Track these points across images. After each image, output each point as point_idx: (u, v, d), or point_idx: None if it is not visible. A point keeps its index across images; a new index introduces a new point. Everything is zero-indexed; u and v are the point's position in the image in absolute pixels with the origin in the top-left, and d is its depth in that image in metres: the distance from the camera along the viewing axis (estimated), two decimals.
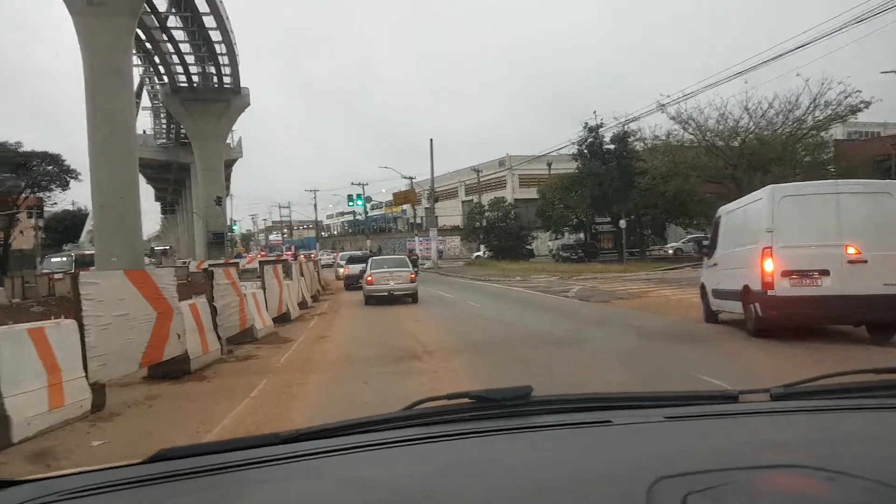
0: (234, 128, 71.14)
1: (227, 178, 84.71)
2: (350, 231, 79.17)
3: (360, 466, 1.17)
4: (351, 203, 48.62)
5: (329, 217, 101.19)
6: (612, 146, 37.86)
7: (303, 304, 17.02)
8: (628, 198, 33.62)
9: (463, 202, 67.44)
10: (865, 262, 7.94)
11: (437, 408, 1.43)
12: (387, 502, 0.98)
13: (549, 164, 51.09)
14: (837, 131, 31.91)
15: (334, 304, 19.58)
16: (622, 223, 31.71)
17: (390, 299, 17.19)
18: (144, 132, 67.36)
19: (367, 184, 55.69)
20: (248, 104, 52.10)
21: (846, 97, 29.14)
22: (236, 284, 10.12)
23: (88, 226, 56.32)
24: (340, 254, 40.01)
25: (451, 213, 62.06)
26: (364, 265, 20.20)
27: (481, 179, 58.95)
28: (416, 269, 19.43)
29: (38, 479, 1.17)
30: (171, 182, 72.87)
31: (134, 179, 26.33)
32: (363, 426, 1.36)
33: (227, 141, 70.13)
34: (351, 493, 1.04)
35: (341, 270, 28.41)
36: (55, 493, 1.06)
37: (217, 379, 7.55)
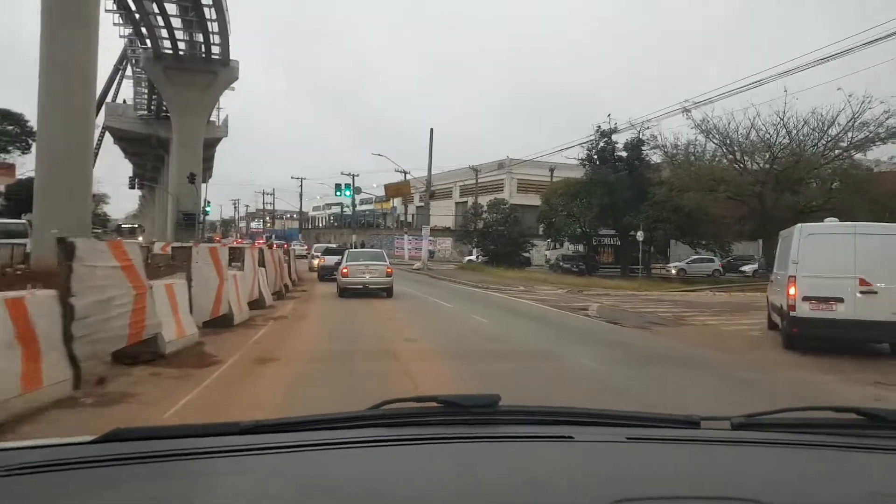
0: (221, 105, 68.36)
1: (211, 159, 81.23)
2: (335, 224, 75.65)
3: (321, 465, 1.13)
4: (339, 192, 45.33)
5: (316, 209, 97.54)
6: (624, 153, 35.15)
7: (258, 303, 13.81)
8: (639, 209, 30.88)
9: (457, 203, 64.44)
10: (876, 293, 9.21)
11: (404, 409, 1.44)
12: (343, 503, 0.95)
13: (552, 170, 48.39)
14: (882, 153, 29.31)
15: (302, 304, 16.62)
16: (639, 235, 28.91)
17: (366, 293, 16.72)
18: (125, 101, 63.71)
19: (357, 174, 52.56)
20: (237, 78, 48.70)
21: (888, 117, 26.74)
22: (133, 270, 6.72)
23: None
24: (315, 245, 38.89)
25: (443, 214, 59.03)
26: (339, 257, 19.66)
27: (478, 181, 56.11)
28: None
29: None
30: (150, 158, 68.83)
31: (88, 142, 23.02)
32: (327, 423, 1.36)
33: (213, 118, 67.30)
34: (309, 494, 1.00)
35: (315, 262, 28.11)
36: (2, 467, 1.01)
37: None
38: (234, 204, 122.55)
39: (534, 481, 1.11)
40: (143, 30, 43.82)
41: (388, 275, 17.30)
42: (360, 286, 16.79)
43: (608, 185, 32.83)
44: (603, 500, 0.93)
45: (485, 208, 39.75)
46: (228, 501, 1.00)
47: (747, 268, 36.19)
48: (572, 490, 1.06)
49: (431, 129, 33.60)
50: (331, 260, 23.76)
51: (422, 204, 71.44)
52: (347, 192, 46.15)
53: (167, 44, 43.66)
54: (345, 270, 17.07)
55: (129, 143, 66.59)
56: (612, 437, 1.37)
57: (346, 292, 16.88)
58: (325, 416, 1.38)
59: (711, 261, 37.47)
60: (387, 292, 17.17)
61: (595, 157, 35.42)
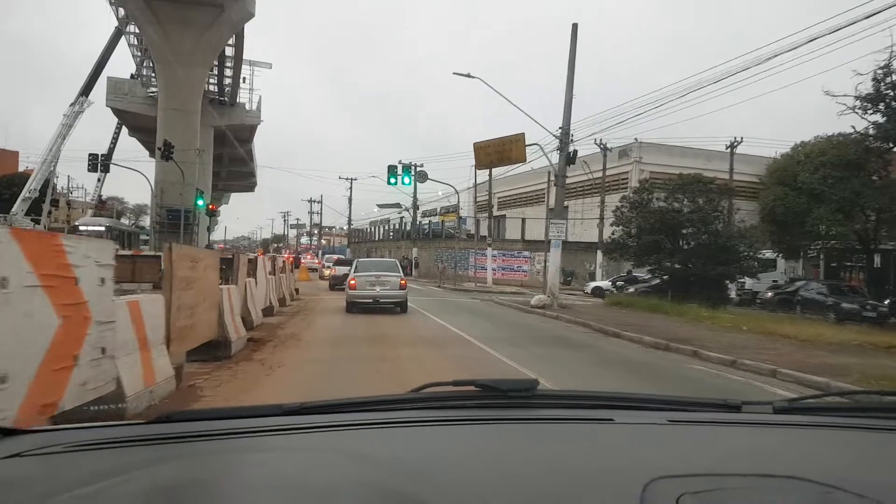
0: (254, 85, 54.34)
1: (246, 159, 67.58)
2: (391, 236, 59.50)
3: (362, 443, 1.15)
4: (392, 180, 29.36)
5: (371, 223, 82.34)
6: None
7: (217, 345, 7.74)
8: None
9: (550, 210, 47.17)
10: None
11: (442, 393, 1.49)
12: (386, 480, 0.96)
13: (734, 147, 30.35)
14: None
15: (292, 337, 10.46)
16: None
17: (376, 309, 15.21)
18: (132, 76, 50.16)
19: (420, 165, 36.33)
20: (252, 15, 33.68)
21: None
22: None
23: (26, 191, 38.81)
24: (325, 256, 38.96)
25: (536, 216, 41.77)
26: (349, 268, 18.13)
27: (591, 174, 38.62)
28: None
29: (41, 430, 1.19)
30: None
31: None
32: (368, 405, 1.38)
33: (243, 101, 53.23)
34: (351, 468, 1.01)
35: (327, 272, 30.09)
36: (57, 445, 1.06)
37: None
38: (284, 217, 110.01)
39: (573, 460, 1.11)
40: None
41: (402, 287, 15.70)
42: (370, 300, 15.42)
43: None
44: (643, 478, 0.92)
45: (673, 187, 20.34)
46: (273, 476, 0.99)
47: None
48: (612, 468, 1.05)
49: (574, 24, 16.56)
50: (342, 270, 23.85)
51: (501, 214, 54.99)
52: (406, 180, 30.13)
53: None
54: (352, 282, 15.73)
55: (141, 132, 53.52)
56: (653, 419, 1.37)
57: (354, 307, 15.46)
58: (368, 398, 1.40)
59: None
60: (400, 307, 15.72)
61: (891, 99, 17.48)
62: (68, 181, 67.78)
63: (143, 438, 1.12)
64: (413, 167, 32.22)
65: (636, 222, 19.94)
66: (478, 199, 39.99)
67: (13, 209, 38.87)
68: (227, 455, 1.09)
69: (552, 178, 20.46)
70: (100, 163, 31.01)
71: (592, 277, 32.02)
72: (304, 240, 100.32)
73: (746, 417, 1.41)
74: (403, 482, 0.95)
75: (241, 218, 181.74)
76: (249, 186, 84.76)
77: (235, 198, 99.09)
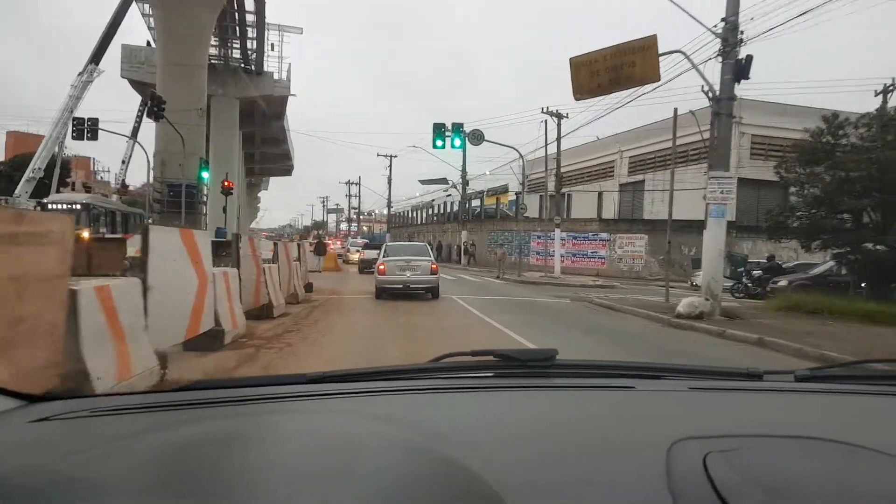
0: (283, 53, 48.62)
1: (279, 140, 62.22)
2: (434, 220, 52.93)
3: (383, 408, 1.15)
4: (439, 142, 22.79)
5: (413, 208, 76.08)
6: None
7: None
8: None
9: (621, 186, 39.87)
10: None
11: (462, 363, 1.47)
12: (407, 438, 0.97)
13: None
14: None
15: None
16: None
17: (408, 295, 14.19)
18: (148, 43, 44.89)
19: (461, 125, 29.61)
20: None
21: None
22: None
23: (30, 171, 34.14)
24: (350, 240, 40.79)
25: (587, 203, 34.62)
26: (379, 252, 17.56)
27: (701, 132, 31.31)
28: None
29: (68, 396, 1.24)
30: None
31: None
32: (389, 374, 1.40)
33: (270, 70, 47.53)
34: (373, 427, 1.02)
35: (353, 256, 33.04)
36: (82, 411, 1.10)
37: None
38: (323, 202, 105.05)
39: (595, 424, 1.10)
40: None
41: (434, 272, 14.87)
42: (401, 285, 14.53)
43: None
44: (665, 441, 0.91)
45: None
46: (295, 434, 1.02)
47: None
48: (635, 432, 1.04)
49: None
50: (370, 254, 24.02)
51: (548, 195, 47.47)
52: (457, 141, 23.55)
53: None
54: (381, 267, 14.76)
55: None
56: (674, 387, 1.37)
57: (383, 293, 14.66)
58: (388, 367, 1.43)
59: None
60: (431, 293, 14.92)
61: None
62: (92, 163, 64.03)
63: (170, 404, 1.14)
64: (463, 129, 25.55)
65: (816, 183, 12.82)
66: (530, 177, 33.23)
67: (16, 190, 34.21)
68: (248, 418, 1.09)
69: (709, 117, 13.51)
70: (86, 128, 25.52)
71: (696, 265, 24.85)
72: (344, 226, 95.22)
73: (768, 385, 1.40)
74: (424, 440, 0.95)
75: (277, 204, 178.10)
76: (286, 170, 79.91)
77: (274, 183, 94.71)
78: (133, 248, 17.54)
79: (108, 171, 66.44)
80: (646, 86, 11.80)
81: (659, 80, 11.00)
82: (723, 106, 10.68)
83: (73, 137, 25.87)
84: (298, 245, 16.02)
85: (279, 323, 9.74)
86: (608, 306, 13.76)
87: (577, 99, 11.41)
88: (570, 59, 11.52)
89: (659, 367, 1.51)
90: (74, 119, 26.29)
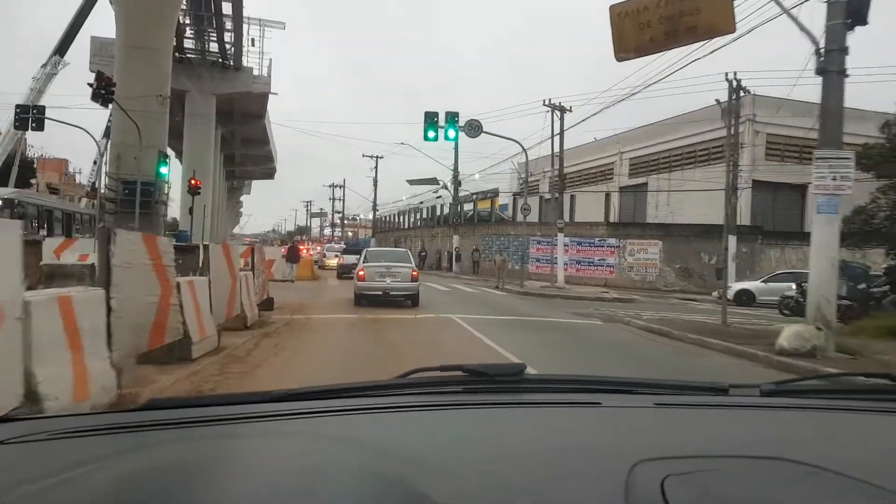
0: (264, 48, 45.57)
1: (260, 141, 59.16)
2: (420, 224, 49.94)
3: (351, 428, 1.13)
4: (430, 133, 20.05)
5: (400, 213, 73.00)
6: None
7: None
8: None
9: (621, 189, 37.29)
10: None
11: (430, 378, 1.43)
12: (372, 463, 0.95)
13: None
14: None
15: None
16: None
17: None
18: None
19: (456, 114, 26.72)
20: None
21: None
22: None
23: None
24: (326, 246, 41.28)
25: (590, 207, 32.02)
26: (358, 257, 17.70)
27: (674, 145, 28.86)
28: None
29: (30, 418, 1.20)
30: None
31: None
32: (355, 391, 1.36)
33: (250, 65, 44.46)
34: (337, 452, 1.01)
35: (334, 261, 32.12)
36: (40, 433, 1.05)
37: None
38: (307, 206, 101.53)
39: (560, 443, 1.10)
40: None
41: (414, 279, 14.64)
42: (380, 291, 14.29)
43: None
44: (629, 460, 0.91)
45: None
46: (258, 460, 0.99)
47: None
48: (598, 451, 1.05)
49: None
50: (350, 259, 24.01)
51: (550, 196, 44.69)
52: (451, 132, 20.78)
53: None
54: (361, 273, 14.64)
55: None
56: (640, 403, 1.37)
57: (363, 299, 14.36)
58: (354, 384, 1.39)
59: None
60: (411, 300, 14.66)
61: None
62: (67, 165, 60.42)
63: (131, 425, 1.11)
64: (457, 119, 22.76)
65: None
66: (524, 177, 30.54)
67: None
68: (212, 441, 1.07)
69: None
70: (31, 118, 22.44)
71: (719, 275, 22.22)
72: (327, 231, 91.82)
73: (733, 400, 1.41)
74: (389, 465, 0.93)
75: (261, 209, 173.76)
76: (268, 173, 76.62)
77: (258, 187, 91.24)
78: (77, 252, 14.60)
79: (81, 173, 62.84)
80: (713, 39, 9.04)
81: (734, 30, 8.25)
82: (832, 60, 7.88)
83: (16, 127, 22.72)
84: (253, 250, 12.70)
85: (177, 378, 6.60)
86: (657, 331, 10.89)
87: (619, 59, 8.67)
88: (611, 8, 8.76)
89: (625, 382, 1.50)
90: (18, 107, 23.15)
